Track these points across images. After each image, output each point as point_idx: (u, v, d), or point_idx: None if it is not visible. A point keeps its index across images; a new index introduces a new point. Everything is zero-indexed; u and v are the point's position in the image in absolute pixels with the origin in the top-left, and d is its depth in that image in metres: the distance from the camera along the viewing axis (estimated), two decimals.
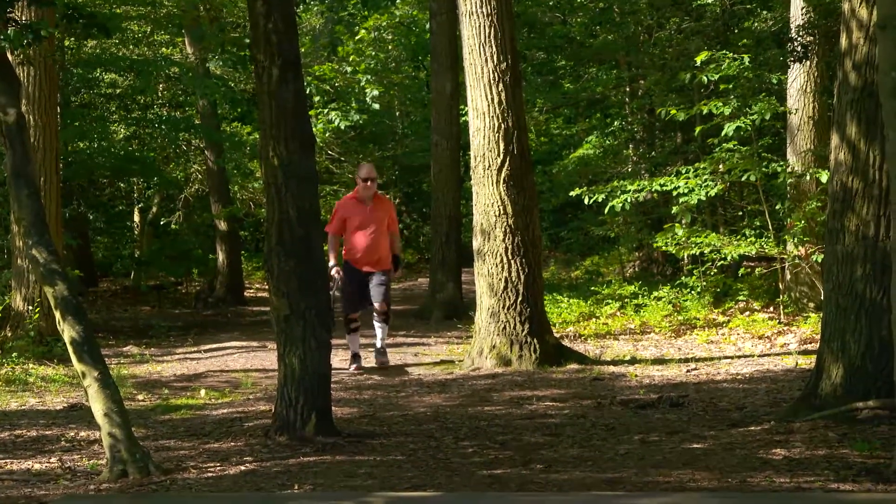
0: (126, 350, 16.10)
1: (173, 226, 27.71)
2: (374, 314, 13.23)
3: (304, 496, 6.99)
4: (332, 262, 12.65)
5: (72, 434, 9.44)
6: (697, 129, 17.56)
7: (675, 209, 16.94)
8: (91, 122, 21.99)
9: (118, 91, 24.79)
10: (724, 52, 16.33)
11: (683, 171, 17.04)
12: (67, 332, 7.81)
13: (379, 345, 13.29)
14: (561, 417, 9.68)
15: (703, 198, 16.35)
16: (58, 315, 7.90)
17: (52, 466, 8.17)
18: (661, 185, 16.86)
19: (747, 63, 15.94)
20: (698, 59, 16.32)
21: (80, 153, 21.76)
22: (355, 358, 13.20)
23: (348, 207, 13.15)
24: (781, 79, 17.67)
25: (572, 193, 18.12)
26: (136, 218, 28.65)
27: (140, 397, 11.73)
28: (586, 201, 17.46)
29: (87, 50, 23.33)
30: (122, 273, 27.56)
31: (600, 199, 17.14)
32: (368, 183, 12.98)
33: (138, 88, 23.36)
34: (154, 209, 28.27)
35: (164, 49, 25.91)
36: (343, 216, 13.08)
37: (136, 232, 28.74)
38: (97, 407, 7.75)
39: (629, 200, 16.94)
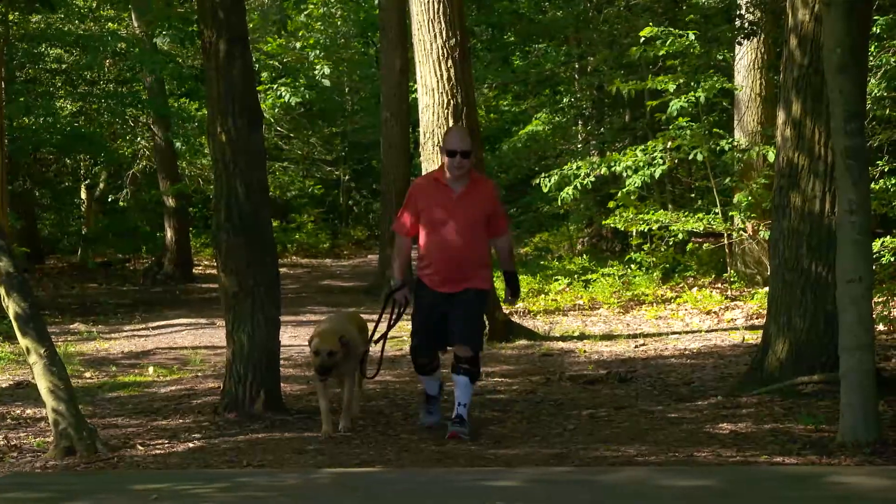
0: (73, 327, 15.97)
1: (121, 202, 27.49)
2: (455, 360, 8.17)
3: (252, 473, 6.97)
4: (396, 280, 8.46)
5: (17, 411, 9.36)
6: (649, 104, 17.59)
7: (619, 194, 17.06)
8: (36, 98, 21.75)
9: (64, 66, 24.51)
10: (668, 28, 16.38)
11: (631, 150, 17.11)
12: (12, 308, 7.74)
13: (458, 411, 8.06)
14: (510, 393, 9.71)
15: (648, 179, 16.45)
16: (2, 291, 7.81)
17: None
18: (608, 167, 16.92)
19: (692, 40, 16.01)
20: (642, 34, 16.38)
21: (26, 129, 21.53)
22: (428, 400, 8.48)
23: (426, 193, 8.29)
24: (727, 57, 17.76)
25: (534, 182, 18.15)
26: (83, 194, 28.40)
27: (87, 374, 11.65)
28: (544, 189, 17.47)
29: (32, 25, 23.03)
30: (69, 250, 27.34)
31: (554, 188, 17.21)
32: (458, 158, 8.13)
33: (84, 64, 23.11)
34: (101, 186, 28.04)
35: (110, 24, 25.63)
36: (417, 207, 8.26)
37: (82, 209, 28.49)
38: (43, 384, 7.68)
39: (577, 187, 17.02)
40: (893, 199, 13.72)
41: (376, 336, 8.66)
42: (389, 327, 8.60)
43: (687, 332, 13.26)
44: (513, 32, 25.35)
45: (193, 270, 24.52)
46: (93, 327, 15.93)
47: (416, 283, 8.37)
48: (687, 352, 11.80)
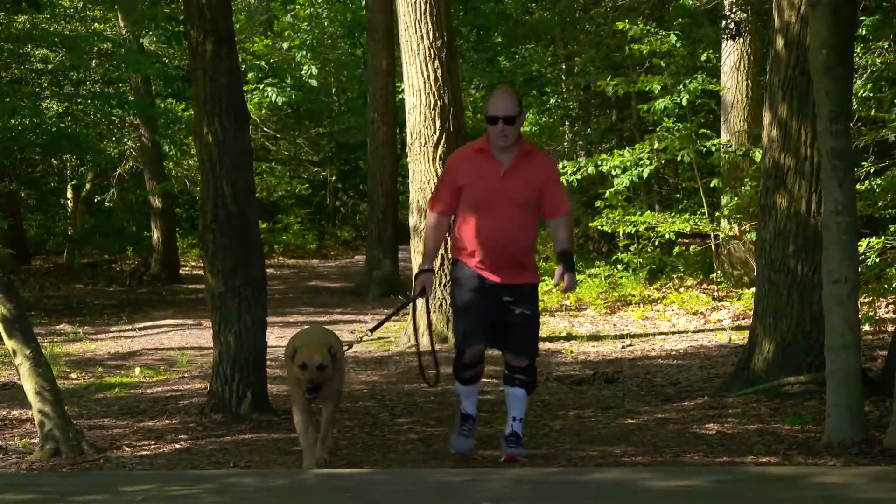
0: (59, 328, 15.94)
1: (107, 203, 27.44)
2: (507, 370, 7.38)
3: (240, 474, 6.96)
4: (422, 265, 7.43)
5: (3, 413, 9.34)
6: (644, 106, 17.60)
7: (607, 193, 17.08)
8: (22, 99, 21.67)
9: (50, 67, 24.46)
10: (647, 27, 16.39)
11: (618, 153, 17.14)
12: None
13: (513, 427, 7.20)
14: (497, 394, 9.69)
15: (636, 179, 16.47)
16: None
17: None
18: (595, 166, 16.94)
19: (673, 40, 16.03)
20: (618, 26, 16.41)
21: (12, 130, 21.46)
22: (464, 420, 7.36)
23: (467, 166, 7.17)
24: (711, 57, 17.77)
25: None
26: (70, 195, 28.34)
27: (73, 375, 11.63)
28: None
29: (18, 25, 22.98)
30: (55, 251, 27.28)
31: None
32: (500, 125, 6.98)
33: (70, 64, 23.05)
34: (87, 186, 27.99)
35: (96, 25, 25.59)
36: (457, 182, 7.17)
37: (69, 209, 28.43)
38: (29, 385, 7.67)
39: (563, 184, 17.06)
40: (879, 200, 13.75)
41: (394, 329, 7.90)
42: (389, 318, 7.89)
43: (673, 333, 13.28)
44: (499, 33, 25.34)
45: (180, 271, 24.48)
46: (79, 328, 15.90)
47: (453, 266, 7.32)
48: (673, 352, 11.81)
